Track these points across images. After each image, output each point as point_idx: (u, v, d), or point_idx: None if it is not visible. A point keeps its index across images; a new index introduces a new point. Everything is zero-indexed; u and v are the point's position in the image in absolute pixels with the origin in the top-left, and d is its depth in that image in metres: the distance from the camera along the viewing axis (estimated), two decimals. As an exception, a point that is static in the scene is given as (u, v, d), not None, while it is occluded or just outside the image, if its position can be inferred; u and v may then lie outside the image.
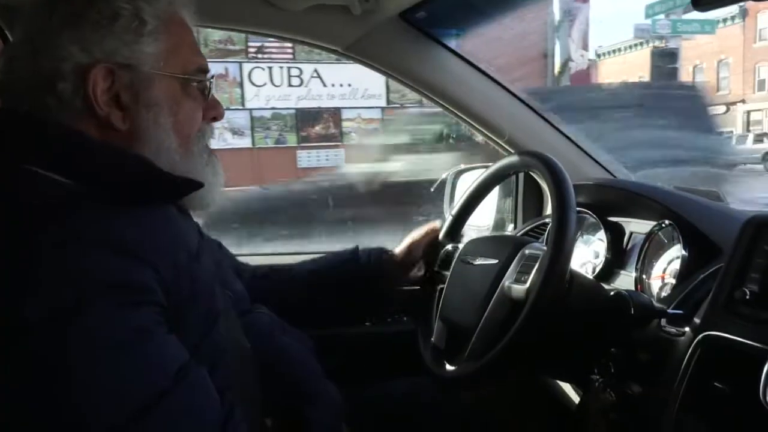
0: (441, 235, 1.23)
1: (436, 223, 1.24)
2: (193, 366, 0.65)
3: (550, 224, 0.90)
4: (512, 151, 1.41)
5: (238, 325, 0.90)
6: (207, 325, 0.74)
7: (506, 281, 0.97)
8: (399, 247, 1.24)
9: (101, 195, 0.66)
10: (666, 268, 1.06)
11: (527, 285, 0.92)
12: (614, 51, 32.14)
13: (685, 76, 28.49)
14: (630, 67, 30.23)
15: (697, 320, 0.84)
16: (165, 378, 0.61)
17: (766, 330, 0.74)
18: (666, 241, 1.08)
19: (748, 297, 0.78)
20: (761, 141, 20.40)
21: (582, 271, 1.29)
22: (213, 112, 0.83)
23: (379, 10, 1.26)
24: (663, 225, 1.08)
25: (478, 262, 1.05)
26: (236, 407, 0.68)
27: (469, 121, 1.43)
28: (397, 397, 1.18)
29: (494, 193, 1.37)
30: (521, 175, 1.48)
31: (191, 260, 0.70)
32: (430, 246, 1.23)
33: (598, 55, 32.71)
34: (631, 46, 30.57)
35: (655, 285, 1.08)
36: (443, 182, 1.56)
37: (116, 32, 0.71)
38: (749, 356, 0.73)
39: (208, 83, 0.81)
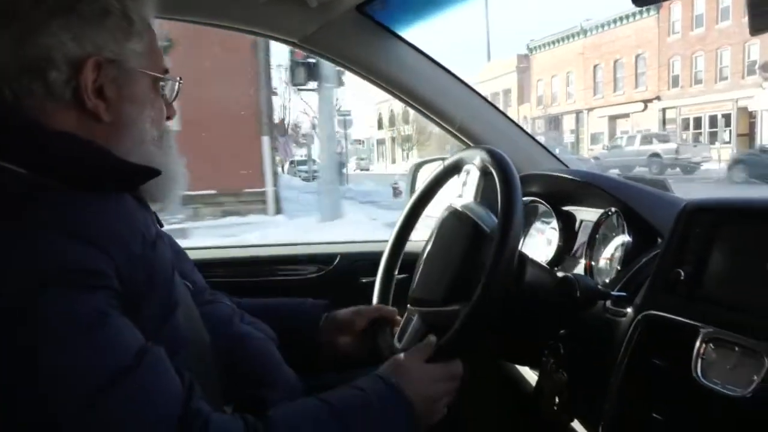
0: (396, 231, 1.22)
1: (394, 313, 1.14)
2: (151, 346, 0.66)
3: (499, 212, 0.93)
4: (471, 144, 1.44)
5: (197, 316, 0.91)
6: (165, 314, 0.75)
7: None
8: (343, 312, 1.14)
9: (57, 184, 0.68)
10: (613, 253, 1.11)
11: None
12: (546, 45, 32.42)
13: (606, 72, 28.40)
14: (560, 62, 30.67)
15: (637, 301, 0.88)
16: (127, 356, 0.63)
17: (698, 308, 0.79)
18: (612, 227, 1.12)
19: (682, 277, 0.82)
20: (649, 142, 20.33)
21: (535, 257, 1.34)
22: (170, 111, 0.87)
23: (335, 3, 1.27)
24: (609, 213, 1.13)
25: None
26: (196, 384, 0.69)
27: (426, 112, 1.45)
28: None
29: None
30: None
31: (147, 248, 0.71)
32: (376, 325, 1.13)
33: (531, 50, 33.30)
34: (561, 39, 30.80)
35: (602, 269, 1.13)
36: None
37: (108, 28, 0.74)
38: (684, 333, 0.78)
39: (177, 83, 0.86)
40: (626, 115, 28.17)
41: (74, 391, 0.59)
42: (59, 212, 0.65)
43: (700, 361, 0.75)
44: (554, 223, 1.33)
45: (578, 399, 0.99)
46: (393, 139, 30.64)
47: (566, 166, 1.53)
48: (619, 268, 1.06)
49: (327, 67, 7.94)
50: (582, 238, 1.25)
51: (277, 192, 9.60)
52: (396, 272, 1.22)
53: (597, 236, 1.17)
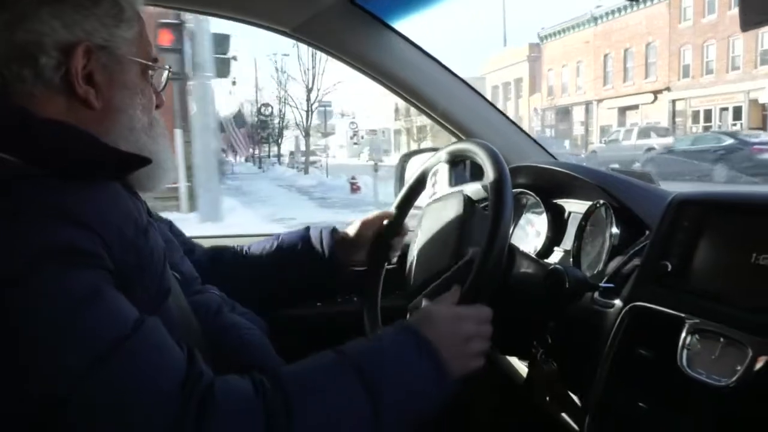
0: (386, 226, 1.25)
1: (389, 209, 1.25)
2: (147, 317, 0.66)
3: (490, 205, 0.93)
4: (462, 137, 1.45)
5: (186, 306, 0.92)
6: (156, 301, 0.75)
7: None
8: (350, 228, 1.26)
9: (47, 171, 0.67)
10: (601, 245, 1.12)
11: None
12: (557, 33, 31.76)
13: (616, 61, 27.38)
14: (570, 52, 29.86)
15: (625, 292, 0.90)
16: (125, 326, 0.63)
17: (684, 299, 0.80)
18: (601, 220, 1.14)
19: (669, 269, 0.83)
20: (647, 136, 19.24)
21: (524, 248, 1.35)
22: (158, 99, 0.88)
23: (326, -8, 1.27)
24: (598, 205, 1.14)
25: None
26: (197, 351, 0.69)
27: (417, 103, 1.45)
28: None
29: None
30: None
31: (138, 234, 0.72)
32: (381, 228, 1.25)
33: (541, 38, 32.57)
34: (572, 27, 30.04)
35: (590, 261, 1.14)
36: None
37: (98, 15, 0.75)
38: (669, 324, 0.79)
39: (166, 71, 0.88)
40: (636, 107, 27.29)
41: (73, 362, 0.59)
42: (48, 197, 0.65)
43: (685, 351, 0.76)
44: (543, 214, 1.34)
45: (568, 389, 1.01)
46: (407, 130, 30.39)
47: (555, 158, 1.54)
48: (606, 259, 1.08)
49: (201, 54, 7.53)
50: (571, 229, 1.26)
51: (192, 188, 8.75)
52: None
53: (585, 228, 1.18)
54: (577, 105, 30.75)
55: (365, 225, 1.25)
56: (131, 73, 0.80)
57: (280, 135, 27.89)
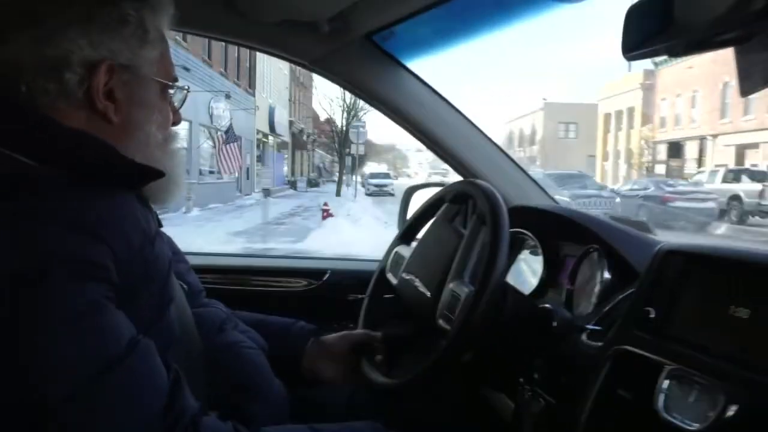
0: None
1: (377, 335, 1.18)
2: (143, 339, 0.69)
3: (488, 246, 0.97)
4: (467, 175, 1.50)
5: (189, 317, 0.94)
6: (159, 309, 0.78)
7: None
8: (329, 337, 1.18)
9: (64, 177, 0.71)
10: (592, 288, 1.16)
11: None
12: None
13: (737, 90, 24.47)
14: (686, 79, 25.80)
15: (610, 335, 0.93)
16: (118, 346, 0.65)
17: (665, 345, 0.84)
18: (594, 264, 1.18)
19: (653, 316, 0.87)
20: (737, 180, 15.94)
21: (520, 287, 1.39)
22: (176, 116, 0.91)
23: (346, 30, 1.34)
24: (591, 249, 1.18)
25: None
26: (184, 381, 0.71)
27: (426, 141, 1.51)
28: (340, 401, 1.22)
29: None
30: None
31: (146, 243, 0.74)
32: (359, 350, 1.16)
33: (656, 64, 28.91)
34: None
35: (582, 303, 1.18)
36: None
37: (124, 36, 0.78)
38: (650, 368, 0.83)
39: (185, 91, 0.91)
40: (756, 146, 22.76)
41: (64, 378, 0.61)
42: (63, 203, 0.68)
43: (662, 395, 0.79)
44: (540, 255, 1.38)
45: (554, 426, 1.03)
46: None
47: (555, 201, 1.59)
48: (597, 302, 1.11)
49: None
50: (564, 272, 1.30)
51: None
52: (384, 294, 1.26)
53: (579, 271, 1.22)
54: (690, 140, 26.94)
55: (344, 338, 1.18)
56: (150, 91, 0.83)
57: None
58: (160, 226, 0.89)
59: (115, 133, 0.79)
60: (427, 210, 1.25)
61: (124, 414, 0.65)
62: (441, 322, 1.00)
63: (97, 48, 0.76)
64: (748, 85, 0.77)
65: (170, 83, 0.87)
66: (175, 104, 0.91)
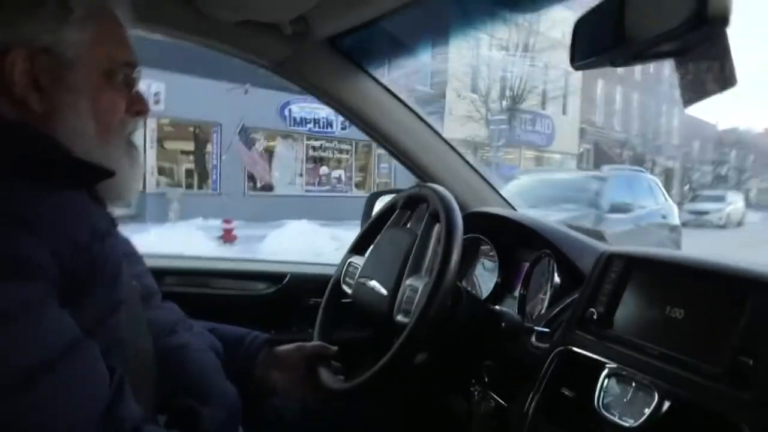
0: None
1: (332, 348, 1.15)
2: (84, 341, 0.66)
3: (440, 249, 0.99)
4: (425, 179, 1.51)
5: (141, 319, 0.90)
6: (107, 310, 0.75)
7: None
8: (284, 347, 1.14)
9: (6, 174, 0.67)
10: (543, 292, 1.19)
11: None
12: None
13: None
14: None
15: (555, 337, 0.96)
16: (53, 349, 0.62)
17: (606, 345, 0.87)
18: (545, 268, 1.21)
19: (595, 317, 0.90)
20: None
21: (476, 290, 1.42)
22: (137, 106, 0.85)
23: (308, 33, 1.34)
24: (543, 255, 1.21)
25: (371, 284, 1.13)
26: (127, 387, 0.69)
27: (387, 146, 1.52)
28: (295, 407, 1.20)
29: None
30: None
31: (95, 240, 0.71)
32: (314, 361, 1.13)
33: None
34: None
35: (533, 306, 1.21)
36: None
37: (40, 17, 0.72)
38: (592, 367, 0.86)
39: (133, 76, 0.83)
40: None
41: None
42: (4, 201, 0.64)
43: (602, 393, 0.82)
44: (495, 259, 1.41)
45: (504, 424, 1.05)
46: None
47: (513, 207, 1.62)
48: (548, 305, 1.14)
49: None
50: (518, 276, 1.33)
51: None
52: (341, 298, 1.26)
53: (532, 276, 1.25)
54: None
55: (299, 350, 1.14)
56: (80, 75, 0.76)
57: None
58: (115, 225, 0.85)
59: (41, 122, 0.73)
60: (380, 218, 1.26)
61: (57, 418, 0.61)
62: (400, 317, 1.00)
63: (7, 33, 0.70)
64: (689, 95, 0.81)
65: (112, 67, 0.78)
66: (128, 90, 0.82)
